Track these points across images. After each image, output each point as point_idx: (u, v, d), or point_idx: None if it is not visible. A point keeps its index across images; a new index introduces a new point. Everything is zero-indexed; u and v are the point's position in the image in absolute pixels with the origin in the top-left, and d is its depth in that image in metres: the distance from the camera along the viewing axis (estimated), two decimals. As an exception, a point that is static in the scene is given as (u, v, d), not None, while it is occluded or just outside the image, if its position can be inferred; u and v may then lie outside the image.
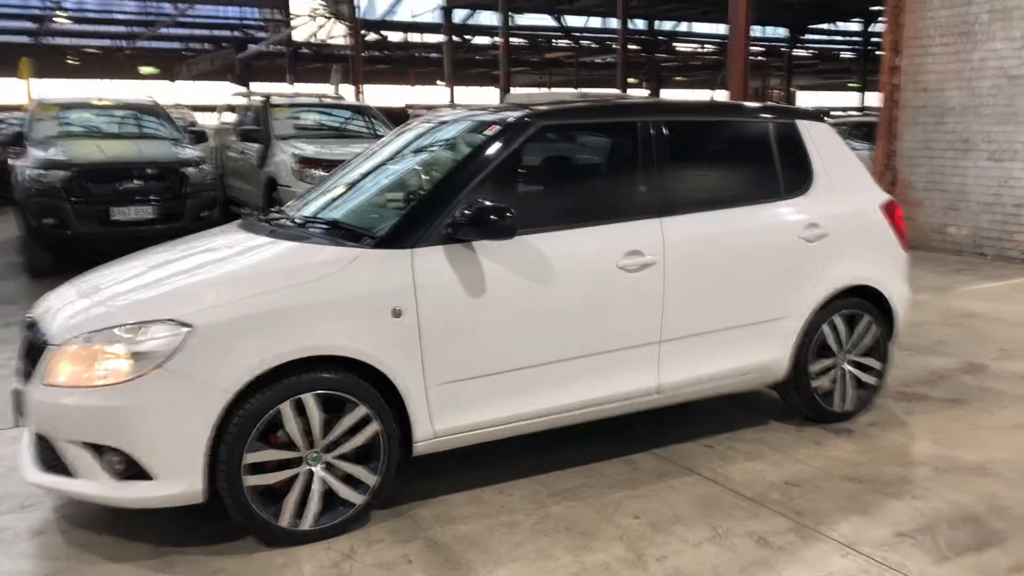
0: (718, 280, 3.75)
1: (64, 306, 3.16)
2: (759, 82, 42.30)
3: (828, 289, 4.03)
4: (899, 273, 4.33)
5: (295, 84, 33.62)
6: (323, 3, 27.95)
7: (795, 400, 4.15)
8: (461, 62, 37.29)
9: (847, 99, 45.67)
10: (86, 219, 8.14)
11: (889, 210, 4.29)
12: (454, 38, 30.13)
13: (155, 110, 10.35)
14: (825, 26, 34.89)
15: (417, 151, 3.92)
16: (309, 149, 9.59)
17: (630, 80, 41.98)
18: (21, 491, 3.42)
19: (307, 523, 3.03)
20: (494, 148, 3.41)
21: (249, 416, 2.87)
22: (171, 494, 2.86)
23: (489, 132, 3.48)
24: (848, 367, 4.20)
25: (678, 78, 46.59)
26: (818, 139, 4.17)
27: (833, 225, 4.05)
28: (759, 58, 40.64)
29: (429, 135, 3.96)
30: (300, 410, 2.96)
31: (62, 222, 8.06)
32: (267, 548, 3.01)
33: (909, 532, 3.13)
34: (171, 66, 47.09)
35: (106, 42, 43.73)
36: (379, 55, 38.53)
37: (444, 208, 3.22)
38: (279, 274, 3.07)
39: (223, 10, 39.77)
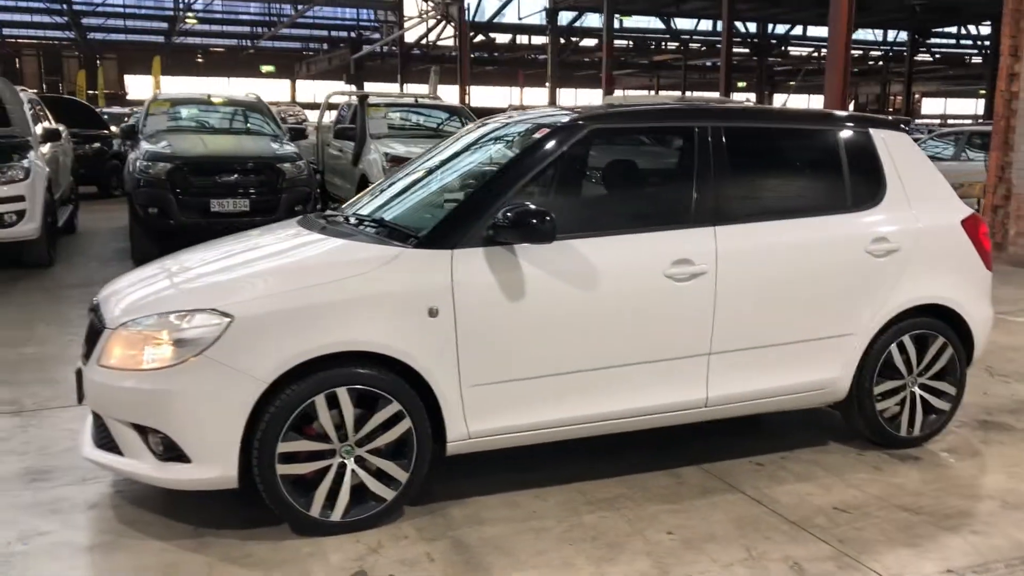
0: (774, 293, 3.61)
1: (122, 292, 3.33)
2: (878, 88, 40.63)
3: (897, 307, 3.83)
4: (980, 293, 4.07)
5: (406, 85, 34.37)
6: (433, 5, 28.45)
7: (857, 422, 3.96)
8: (568, 64, 37.29)
9: (979, 107, 43.21)
10: (188, 210, 8.54)
11: (971, 226, 4.04)
12: (560, 40, 30.14)
13: (258, 107, 10.78)
14: (953, 29, 33.11)
15: (473, 153, 3.94)
16: (400, 148, 9.79)
17: (740, 84, 41.01)
18: (84, 465, 3.60)
19: (337, 515, 3.09)
20: (542, 151, 3.39)
21: (283, 407, 2.95)
22: (207, 478, 2.97)
23: (538, 135, 3.46)
24: (918, 390, 3.97)
25: (791, 83, 45.13)
26: (894, 149, 3.96)
27: (905, 240, 3.84)
28: (878, 63, 39.00)
29: (487, 137, 3.98)
30: (334, 403, 3.02)
31: (165, 212, 8.49)
32: (297, 537, 3.09)
33: (959, 569, 2.93)
34: (291, 65, 49.04)
35: (232, 42, 45.93)
36: (486, 57, 38.96)
37: (486, 210, 3.23)
38: (320, 270, 3.15)
39: (340, 11, 41.12)
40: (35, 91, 10.65)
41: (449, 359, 3.15)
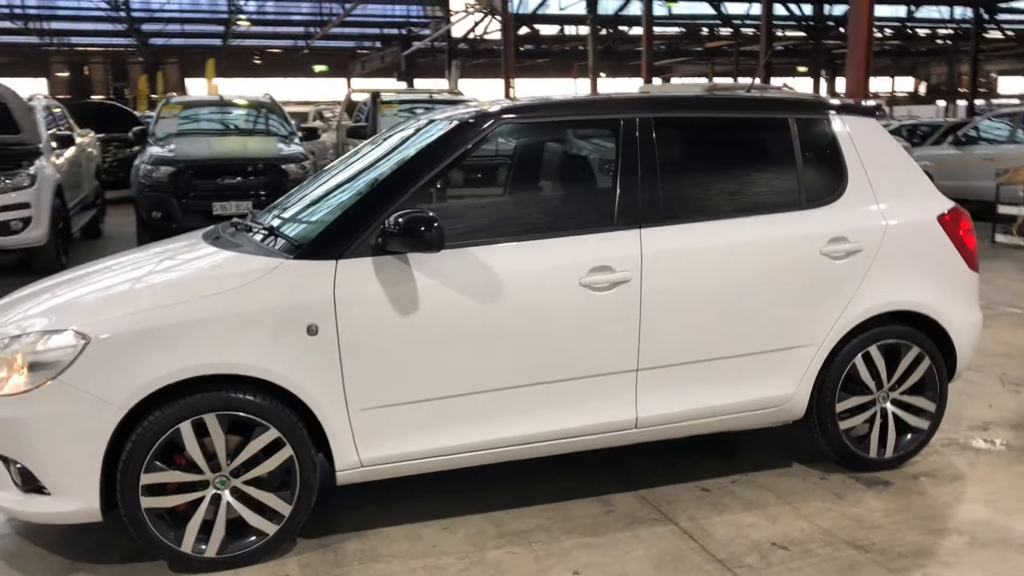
0: (710, 302, 3.24)
1: (-2, 311, 3.15)
2: (944, 68, 38.78)
3: (861, 315, 3.42)
4: (962, 297, 3.61)
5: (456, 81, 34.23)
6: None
7: (820, 442, 3.56)
8: (618, 54, 36.59)
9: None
10: (190, 213, 8.51)
11: (951, 222, 3.59)
12: (607, 30, 29.56)
13: (271, 107, 10.71)
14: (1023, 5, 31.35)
15: (386, 153, 3.63)
16: (408, 145, 9.57)
17: (801, 69, 39.70)
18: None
19: (212, 550, 2.86)
20: (441, 149, 3.09)
21: (145, 435, 2.73)
22: (67, 511, 2.77)
23: (439, 131, 3.16)
24: (890, 407, 3.55)
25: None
26: (859, 138, 3.54)
27: (868, 239, 3.42)
28: (946, 42, 37.29)
29: (408, 135, 3.67)
30: (204, 431, 2.79)
31: (169, 215, 8.48)
32: (174, 574, 2.87)
33: (894, 624, 2.55)
34: (346, 64, 49.44)
35: (287, 42, 46.51)
36: (534, 49, 38.50)
37: (376, 216, 2.95)
38: (193, 285, 2.92)
39: (390, 8, 41.22)
40: (49, 96, 10.69)
41: (333, 381, 2.88)
